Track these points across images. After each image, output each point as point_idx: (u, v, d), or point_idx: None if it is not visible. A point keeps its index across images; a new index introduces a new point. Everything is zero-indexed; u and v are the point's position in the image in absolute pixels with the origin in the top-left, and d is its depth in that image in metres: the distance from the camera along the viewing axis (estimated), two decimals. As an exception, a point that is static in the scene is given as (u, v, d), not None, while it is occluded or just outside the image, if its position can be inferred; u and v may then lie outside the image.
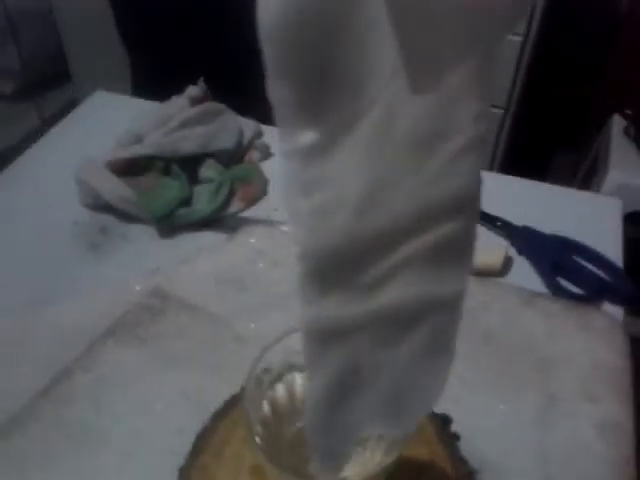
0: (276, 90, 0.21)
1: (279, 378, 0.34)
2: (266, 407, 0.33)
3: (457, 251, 0.22)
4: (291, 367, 0.34)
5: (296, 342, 0.33)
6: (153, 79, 1.02)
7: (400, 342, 0.22)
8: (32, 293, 0.60)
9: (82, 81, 1.71)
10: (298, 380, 0.34)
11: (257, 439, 0.29)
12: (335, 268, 0.22)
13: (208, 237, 0.66)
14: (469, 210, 0.22)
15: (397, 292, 0.22)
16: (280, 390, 0.34)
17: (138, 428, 0.48)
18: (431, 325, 0.22)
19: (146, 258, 0.64)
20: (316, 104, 0.21)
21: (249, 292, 0.59)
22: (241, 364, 0.50)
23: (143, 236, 0.67)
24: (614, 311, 0.57)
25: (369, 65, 0.20)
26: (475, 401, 0.49)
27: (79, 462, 0.46)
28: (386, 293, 0.22)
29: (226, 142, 0.71)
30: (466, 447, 0.44)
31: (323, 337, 0.23)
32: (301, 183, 0.22)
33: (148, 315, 0.57)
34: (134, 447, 0.47)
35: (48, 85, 1.86)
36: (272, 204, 0.70)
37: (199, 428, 0.43)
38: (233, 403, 0.43)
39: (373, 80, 0.20)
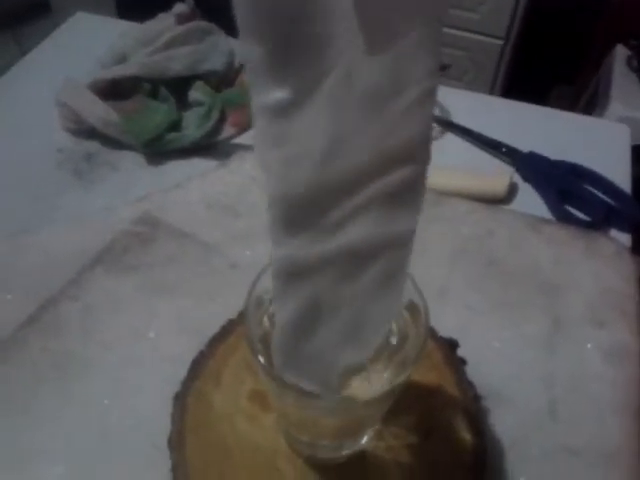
0: (246, 49, 0.22)
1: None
2: (266, 324, 0.31)
3: (410, 194, 0.24)
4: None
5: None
6: (139, 2, 0.96)
7: (358, 278, 0.25)
8: (15, 222, 0.57)
9: (62, 11, 1.63)
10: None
11: (260, 358, 0.27)
12: (302, 212, 0.24)
13: (199, 164, 0.63)
14: (421, 156, 0.24)
15: (356, 232, 0.24)
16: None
17: (130, 356, 0.46)
18: (385, 261, 0.24)
19: (134, 186, 0.60)
20: (284, 64, 0.22)
21: (243, 219, 0.56)
22: (237, 291, 0.48)
23: (130, 163, 0.63)
24: (622, 238, 0.55)
25: (332, 29, 0.22)
26: (480, 327, 0.47)
27: (69, 389, 0.44)
28: (346, 233, 0.24)
29: (216, 63, 0.67)
30: (471, 373, 0.42)
31: (290, 274, 0.25)
32: (271, 136, 0.24)
33: (137, 243, 0.54)
34: (126, 375, 0.45)
35: (26, 16, 1.77)
36: (265, 130, 0.66)
37: (195, 355, 0.41)
38: (230, 328, 0.41)
39: (335, 43, 0.22)
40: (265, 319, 0.31)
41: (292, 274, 0.25)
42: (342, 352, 0.26)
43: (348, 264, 0.24)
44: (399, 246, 0.24)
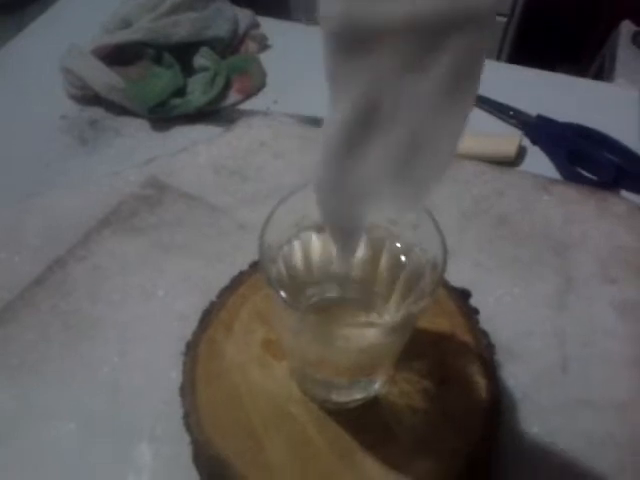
0: None
1: (295, 235, 0.31)
2: (281, 266, 0.30)
3: None
4: (307, 226, 0.32)
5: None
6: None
7: (425, 67, 0.21)
8: (21, 188, 0.56)
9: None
10: (314, 241, 0.32)
11: (282, 292, 0.26)
12: None
13: (204, 130, 0.62)
14: None
15: None
16: (296, 249, 0.31)
17: (139, 315, 0.46)
18: (460, 46, 0.20)
19: (139, 152, 0.60)
20: None
21: (250, 182, 0.56)
22: (245, 251, 0.48)
23: (135, 129, 0.63)
24: (632, 198, 0.54)
25: None
26: (490, 284, 0.47)
27: (78, 348, 0.44)
28: None
29: (220, 30, 0.66)
30: (483, 327, 0.42)
31: (346, 44, 0.21)
32: None
33: (144, 205, 0.53)
34: (135, 333, 0.45)
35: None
36: (271, 96, 0.66)
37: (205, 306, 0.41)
38: (241, 279, 0.40)
39: None
40: (280, 260, 0.31)
41: (349, 39, 0.21)
42: (388, 189, 0.23)
43: (416, 42, 0.20)
44: (478, 25, 0.20)
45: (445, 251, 0.28)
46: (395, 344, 0.29)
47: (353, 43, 0.21)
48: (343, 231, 0.25)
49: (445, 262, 0.27)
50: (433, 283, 0.28)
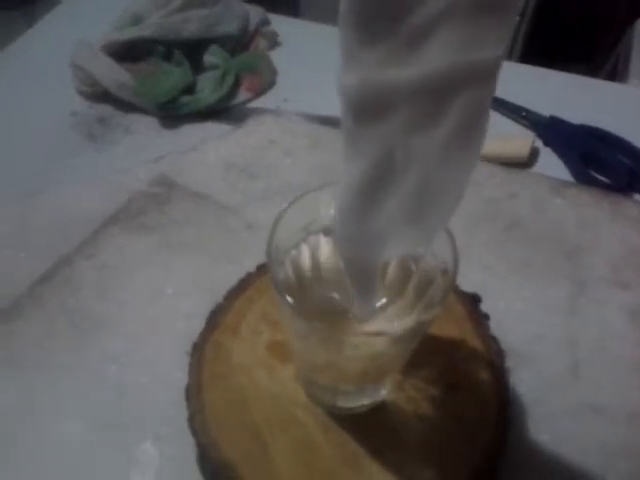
0: None
1: (304, 238, 0.31)
2: (289, 269, 0.30)
3: (499, 5, 0.20)
4: (316, 229, 0.31)
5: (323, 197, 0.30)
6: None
7: (435, 122, 0.22)
8: (29, 184, 0.56)
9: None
10: (323, 244, 0.31)
11: (288, 298, 0.26)
12: (375, 5, 0.21)
13: (213, 128, 0.62)
14: None
15: (437, 54, 0.21)
16: (305, 253, 0.31)
17: (146, 314, 0.46)
18: (465, 101, 0.21)
19: (148, 150, 0.60)
20: None
21: (260, 181, 0.55)
22: (253, 251, 0.47)
23: (144, 127, 0.62)
24: (646, 202, 0.54)
25: None
26: (500, 288, 0.46)
27: (84, 345, 0.44)
28: (426, 54, 0.21)
29: (230, 27, 0.66)
30: (493, 332, 0.41)
31: (363, 107, 0.22)
32: None
33: (153, 203, 0.53)
34: (142, 332, 0.45)
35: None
36: (281, 95, 0.65)
37: (212, 308, 0.41)
38: (248, 280, 0.40)
39: None
40: (288, 263, 0.30)
41: (366, 106, 0.22)
42: (402, 233, 0.25)
43: (426, 101, 0.21)
44: (482, 79, 0.21)
45: (457, 257, 0.27)
46: (403, 352, 0.28)
47: (370, 109, 0.22)
48: (361, 278, 0.26)
49: (457, 268, 0.26)
50: (444, 289, 0.27)
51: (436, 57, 0.21)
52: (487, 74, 0.21)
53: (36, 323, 0.45)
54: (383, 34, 0.21)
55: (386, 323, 0.27)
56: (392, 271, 0.30)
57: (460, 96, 0.21)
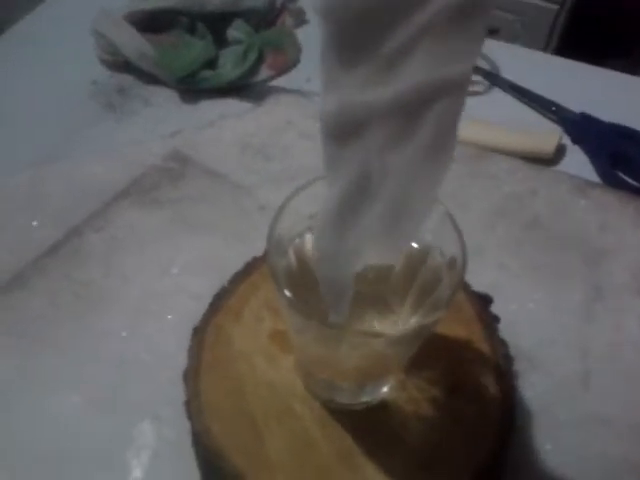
0: None
1: (309, 227, 0.30)
2: (292, 258, 0.29)
3: (471, 18, 0.21)
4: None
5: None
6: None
7: (408, 138, 0.23)
8: (46, 151, 0.56)
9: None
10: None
11: (286, 292, 0.25)
12: (356, 33, 0.22)
13: (233, 105, 0.61)
14: None
15: (411, 72, 0.22)
16: (308, 242, 0.30)
17: (151, 291, 0.45)
18: (437, 115, 0.22)
19: (166, 122, 0.59)
20: None
21: (275, 162, 0.54)
22: (264, 233, 0.46)
23: (163, 99, 0.61)
24: (674, 208, 0.51)
25: None
26: (514, 288, 0.45)
27: (87, 319, 0.43)
28: (402, 72, 0.22)
29: (257, 1, 0.64)
30: (502, 335, 0.40)
31: (343, 127, 0.23)
32: None
33: (167, 178, 0.53)
34: (146, 309, 0.44)
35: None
36: (305, 74, 0.64)
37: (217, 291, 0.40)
38: (255, 265, 0.39)
39: None
40: (291, 252, 0.29)
41: (345, 127, 0.23)
42: (376, 245, 0.25)
43: (400, 117, 0.22)
44: (453, 92, 0.22)
45: (465, 255, 0.26)
46: (404, 353, 0.27)
47: (348, 132, 0.23)
48: (336, 291, 0.26)
49: (464, 265, 0.25)
50: (451, 287, 0.26)
51: (411, 75, 0.21)
52: (457, 87, 0.22)
53: (38, 293, 0.45)
54: (363, 58, 0.22)
55: (389, 324, 0.26)
56: (398, 270, 0.28)
57: (432, 110, 0.22)
